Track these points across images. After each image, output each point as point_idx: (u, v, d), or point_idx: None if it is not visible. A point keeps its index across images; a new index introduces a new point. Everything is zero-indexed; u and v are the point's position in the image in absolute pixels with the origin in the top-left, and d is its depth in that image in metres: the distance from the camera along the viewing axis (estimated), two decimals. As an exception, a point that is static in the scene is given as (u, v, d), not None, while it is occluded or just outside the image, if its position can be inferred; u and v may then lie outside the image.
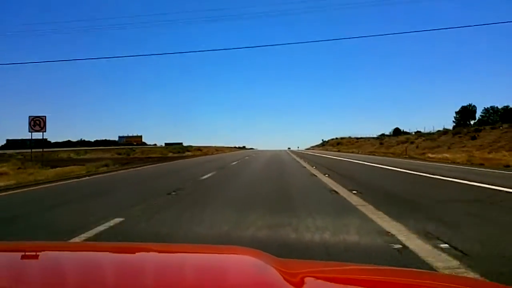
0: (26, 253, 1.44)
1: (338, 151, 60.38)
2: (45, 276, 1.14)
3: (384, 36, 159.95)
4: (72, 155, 35.83)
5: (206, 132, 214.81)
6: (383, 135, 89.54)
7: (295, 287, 1.02)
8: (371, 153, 45.19)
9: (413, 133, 60.56)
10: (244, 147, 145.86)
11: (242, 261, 1.34)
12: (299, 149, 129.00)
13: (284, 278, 1.06)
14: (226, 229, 4.66)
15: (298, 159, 27.79)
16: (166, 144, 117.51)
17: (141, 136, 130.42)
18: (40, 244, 1.85)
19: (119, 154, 43.73)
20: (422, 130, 62.42)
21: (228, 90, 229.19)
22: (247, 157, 36.85)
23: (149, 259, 1.42)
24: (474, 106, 66.23)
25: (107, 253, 1.52)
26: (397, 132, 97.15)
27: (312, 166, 18.59)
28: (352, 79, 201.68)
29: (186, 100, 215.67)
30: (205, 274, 1.17)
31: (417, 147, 36.26)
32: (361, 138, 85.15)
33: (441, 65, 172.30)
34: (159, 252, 1.53)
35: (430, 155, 28.19)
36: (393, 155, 36.06)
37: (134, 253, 1.54)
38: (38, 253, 1.45)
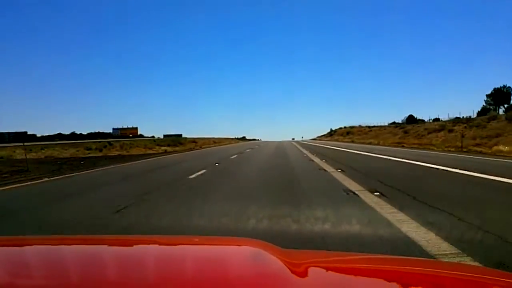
0: (25, 247, 1.42)
1: (352, 141, 51.89)
2: (45, 270, 1.11)
3: (389, 25, 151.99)
4: (18, 151, 27.30)
5: (207, 124, 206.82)
6: (394, 123, 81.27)
7: (299, 277, 1.04)
8: (398, 144, 36.53)
9: (448, 119, 51.60)
10: (244, 138, 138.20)
11: (245, 252, 1.34)
12: (303, 139, 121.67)
13: (288, 268, 1.07)
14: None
15: (317, 160, 18.76)
16: (165, 135, 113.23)
17: (136, 128, 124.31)
18: (39, 238, 1.92)
19: (89, 149, 35.31)
20: (442, 117, 53.89)
21: (230, 81, 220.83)
22: (248, 150, 32.21)
23: (151, 251, 1.41)
24: (509, 87, 57.54)
25: (108, 246, 1.49)
26: (411, 119, 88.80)
27: (352, 178, 9.95)
28: (357, 67, 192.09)
29: (187, 91, 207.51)
30: (208, 265, 1.16)
31: (462, 136, 27.62)
32: (373, 126, 76.51)
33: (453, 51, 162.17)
34: (161, 244, 1.52)
35: (503, 147, 19.69)
36: (436, 148, 27.51)
37: (136, 245, 1.52)
38: (37, 247, 1.43)
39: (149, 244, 1.54)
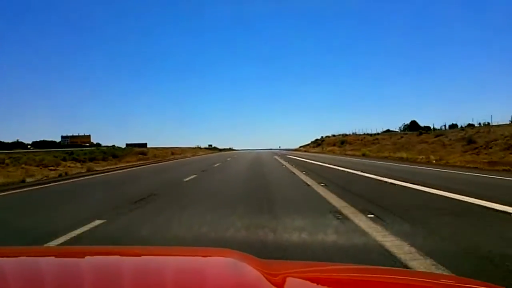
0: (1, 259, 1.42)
1: (363, 155, 35.28)
2: (20, 282, 1.10)
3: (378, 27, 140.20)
4: None
5: (176, 132, 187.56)
6: (388, 131, 66.46)
7: (276, 287, 1.04)
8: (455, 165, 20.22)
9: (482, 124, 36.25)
10: (216, 148, 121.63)
11: (223, 263, 1.35)
12: (281, 149, 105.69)
13: (266, 279, 1.07)
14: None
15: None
16: (127, 145, 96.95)
17: (89, 136, 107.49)
18: (16, 249, 1.85)
19: None
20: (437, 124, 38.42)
21: (207, 84, 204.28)
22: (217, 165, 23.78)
23: (129, 262, 1.41)
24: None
25: (86, 257, 1.49)
26: (414, 126, 74.36)
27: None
28: (343, 71, 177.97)
29: (154, 97, 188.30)
30: (185, 277, 1.16)
31: None
32: (375, 133, 60.96)
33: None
34: (139, 255, 1.53)
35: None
36: None
37: (112, 256, 1.52)
38: (13, 259, 1.42)
39: (126, 255, 1.53)
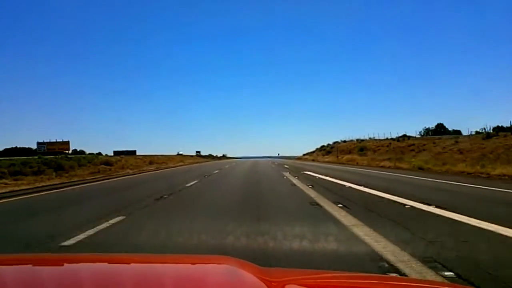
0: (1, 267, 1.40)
1: (420, 169, 22.41)
2: None
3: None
4: None
5: (168, 139, 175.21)
6: (405, 136, 54.86)
7: None
8: None
9: None
10: (199, 154, 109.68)
11: (223, 271, 1.33)
12: (279, 156, 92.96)
13: (266, 286, 1.06)
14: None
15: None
16: (115, 152, 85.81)
17: (68, 142, 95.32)
18: (15, 257, 1.84)
19: None
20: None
21: (202, 88, 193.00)
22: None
23: (128, 270, 1.40)
24: None
25: (86, 264, 1.48)
26: (440, 130, 62.72)
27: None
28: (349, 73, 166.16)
29: (145, 105, 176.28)
30: (185, 285, 1.16)
31: None
32: (402, 137, 48.95)
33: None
34: (139, 262, 1.51)
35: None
36: None
37: (112, 264, 1.51)
38: (13, 267, 1.41)
39: (126, 263, 1.53)
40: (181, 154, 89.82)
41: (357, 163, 35.38)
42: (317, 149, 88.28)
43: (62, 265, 1.47)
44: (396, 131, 60.19)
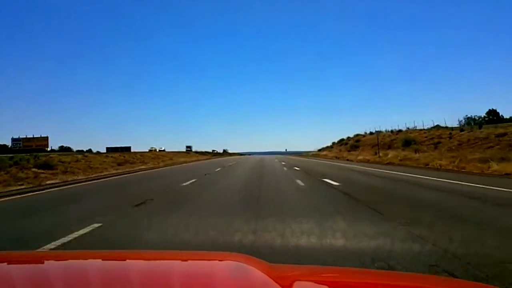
0: (9, 264, 1.39)
1: None
2: (28, 287, 1.10)
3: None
4: None
5: (165, 135, 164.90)
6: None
7: None
8: None
9: None
10: (190, 149, 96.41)
11: (231, 267, 1.32)
12: (287, 151, 79.55)
13: (275, 282, 1.07)
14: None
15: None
16: (108, 149, 76.98)
17: (46, 138, 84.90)
18: (24, 254, 1.86)
19: None
20: None
21: (212, 85, 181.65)
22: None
23: (136, 266, 1.38)
24: None
25: (93, 261, 1.47)
26: (493, 118, 49.46)
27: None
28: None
29: (142, 95, 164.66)
30: (194, 281, 1.15)
31: None
32: (459, 126, 34.92)
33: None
34: (145, 259, 1.50)
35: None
36: None
37: (119, 261, 1.50)
38: (22, 264, 1.40)
39: (133, 259, 1.51)
40: (154, 150, 76.10)
41: (430, 165, 21.37)
42: (334, 143, 74.34)
43: (70, 262, 1.44)
44: (424, 121, 46.19)
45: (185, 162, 43.53)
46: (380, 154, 32.71)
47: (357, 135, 64.86)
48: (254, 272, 1.17)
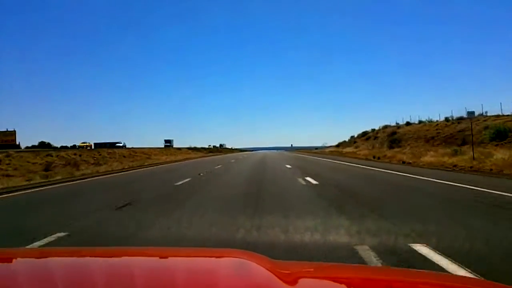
0: (12, 260, 1.39)
1: None
2: (32, 283, 1.09)
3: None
4: None
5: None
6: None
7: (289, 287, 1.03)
8: None
9: None
10: (170, 144, 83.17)
11: (235, 263, 1.32)
12: (293, 147, 65.97)
13: (278, 279, 1.06)
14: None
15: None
16: (96, 144, 69.40)
17: (13, 133, 70.58)
18: (27, 250, 1.90)
19: None
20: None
21: (217, 80, 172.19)
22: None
23: (140, 263, 1.38)
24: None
25: (96, 258, 1.46)
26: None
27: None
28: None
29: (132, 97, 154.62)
30: (197, 278, 1.14)
31: None
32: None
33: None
34: (149, 256, 1.49)
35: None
36: None
37: (123, 257, 1.50)
38: (25, 259, 1.41)
39: (137, 256, 1.50)
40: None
41: None
42: (353, 137, 60.45)
43: (72, 258, 1.43)
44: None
45: (141, 166, 29.50)
46: (475, 155, 18.77)
47: (386, 126, 50.94)
48: (257, 269, 1.17)
